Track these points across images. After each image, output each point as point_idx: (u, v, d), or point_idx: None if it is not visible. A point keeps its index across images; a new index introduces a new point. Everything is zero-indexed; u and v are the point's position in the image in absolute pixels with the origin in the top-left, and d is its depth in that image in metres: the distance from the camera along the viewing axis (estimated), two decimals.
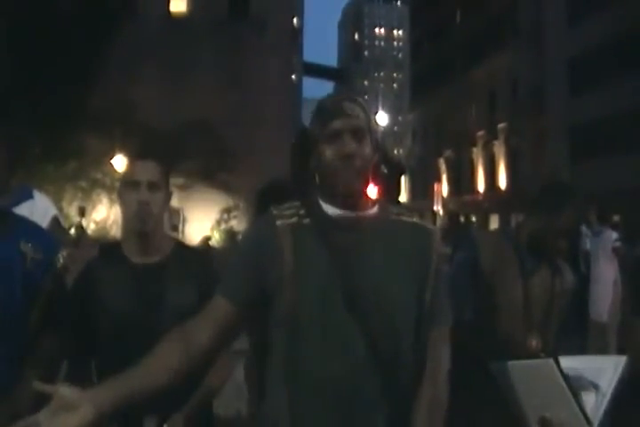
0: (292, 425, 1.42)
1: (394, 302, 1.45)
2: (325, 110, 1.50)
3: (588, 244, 7.85)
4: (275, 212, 1.54)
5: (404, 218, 1.56)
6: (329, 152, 1.46)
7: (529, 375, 1.95)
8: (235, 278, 1.53)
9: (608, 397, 1.97)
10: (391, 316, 1.44)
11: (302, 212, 1.52)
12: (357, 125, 1.47)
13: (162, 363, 1.43)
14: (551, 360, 1.88)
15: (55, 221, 2.74)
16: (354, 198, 1.49)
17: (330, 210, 1.50)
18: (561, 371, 1.85)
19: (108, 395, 1.33)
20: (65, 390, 1.28)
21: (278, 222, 1.50)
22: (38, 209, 2.65)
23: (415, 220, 1.58)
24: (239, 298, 1.50)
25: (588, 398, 1.96)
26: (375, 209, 1.53)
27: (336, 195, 1.48)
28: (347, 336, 1.41)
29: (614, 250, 6.43)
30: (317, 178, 1.51)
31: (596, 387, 1.99)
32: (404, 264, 1.49)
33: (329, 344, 1.41)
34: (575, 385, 1.90)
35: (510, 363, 2.00)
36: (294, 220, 1.50)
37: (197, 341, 1.47)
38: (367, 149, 1.48)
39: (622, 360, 2.09)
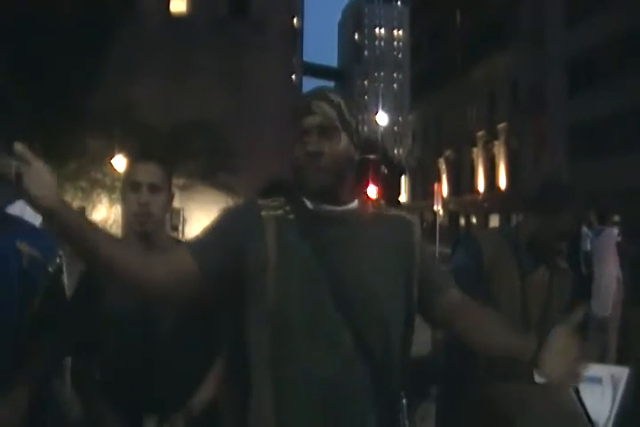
0: (279, 426, 1.39)
1: (381, 297, 1.44)
2: (297, 109, 1.50)
3: (588, 244, 7.82)
4: (260, 202, 1.52)
5: (384, 211, 1.57)
6: (297, 150, 1.46)
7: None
8: (206, 241, 1.46)
9: (616, 407, 1.97)
10: (379, 311, 1.43)
11: (287, 208, 1.50)
12: (323, 123, 1.45)
13: (126, 256, 1.37)
14: (571, 389, 1.86)
15: None
16: (327, 195, 1.48)
17: (309, 205, 1.49)
18: (580, 400, 1.84)
19: (75, 214, 1.32)
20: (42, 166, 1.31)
21: (263, 213, 1.48)
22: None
23: (394, 212, 1.58)
24: (205, 262, 1.41)
25: (603, 408, 1.95)
26: (354, 204, 1.52)
27: (308, 191, 1.48)
28: (335, 334, 1.39)
29: (617, 245, 6.40)
30: (294, 175, 1.51)
31: (614, 397, 1.99)
32: (389, 257, 1.49)
33: (317, 343, 1.38)
34: (598, 392, 1.89)
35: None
36: (279, 212, 1.49)
37: (153, 268, 1.40)
38: (339, 147, 1.46)
39: (626, 371, 2.09)
